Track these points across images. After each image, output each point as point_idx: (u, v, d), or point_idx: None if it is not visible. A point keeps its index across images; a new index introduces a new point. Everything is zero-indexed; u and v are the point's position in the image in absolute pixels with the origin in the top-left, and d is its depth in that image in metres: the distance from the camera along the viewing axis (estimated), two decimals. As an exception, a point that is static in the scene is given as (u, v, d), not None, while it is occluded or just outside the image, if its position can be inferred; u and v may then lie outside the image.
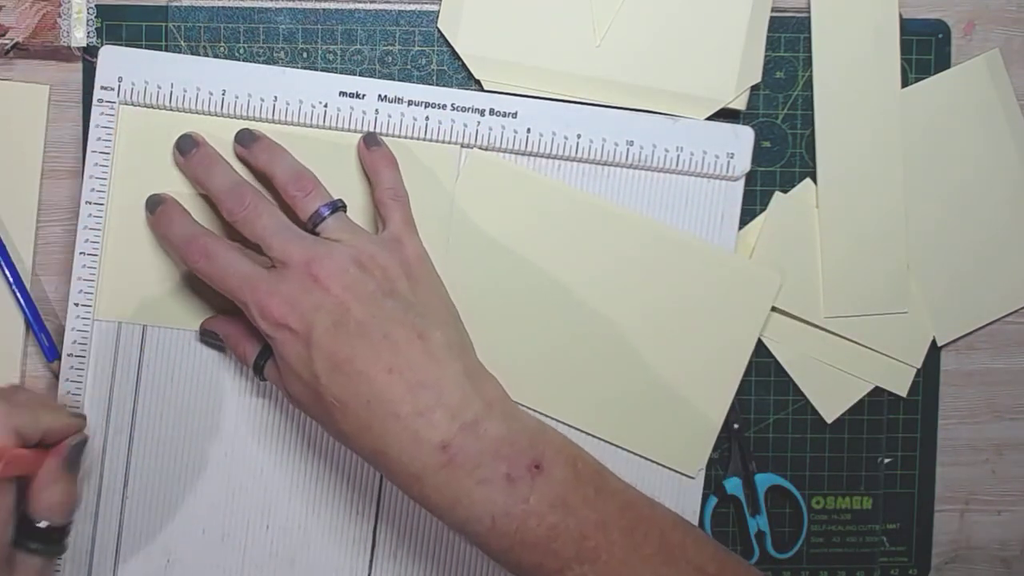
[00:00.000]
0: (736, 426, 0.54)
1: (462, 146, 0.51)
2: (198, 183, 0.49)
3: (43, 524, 0.42)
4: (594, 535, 0.42)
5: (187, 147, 0.49)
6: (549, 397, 0.52)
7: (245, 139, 0.49)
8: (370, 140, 0.50)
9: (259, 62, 0.52)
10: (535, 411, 0.52)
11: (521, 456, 0.42)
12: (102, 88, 0.50)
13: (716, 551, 0.44)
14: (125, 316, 0.51)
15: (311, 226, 0.46)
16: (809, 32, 0.53)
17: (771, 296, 0.52)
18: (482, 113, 0.51)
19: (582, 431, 0.52)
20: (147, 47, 0.52)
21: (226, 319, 0.50)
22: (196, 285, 0.51)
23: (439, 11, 0.52)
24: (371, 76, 0.52)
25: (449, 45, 0.52)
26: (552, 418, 0.52)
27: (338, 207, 0.47)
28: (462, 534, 0.43)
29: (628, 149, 0.52)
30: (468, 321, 0.47)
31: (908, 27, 0.54)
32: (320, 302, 0.43)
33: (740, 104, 0.53)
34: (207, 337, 0.51)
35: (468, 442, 0.42)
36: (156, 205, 0.49)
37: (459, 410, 0.42)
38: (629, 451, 0.52)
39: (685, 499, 0.53)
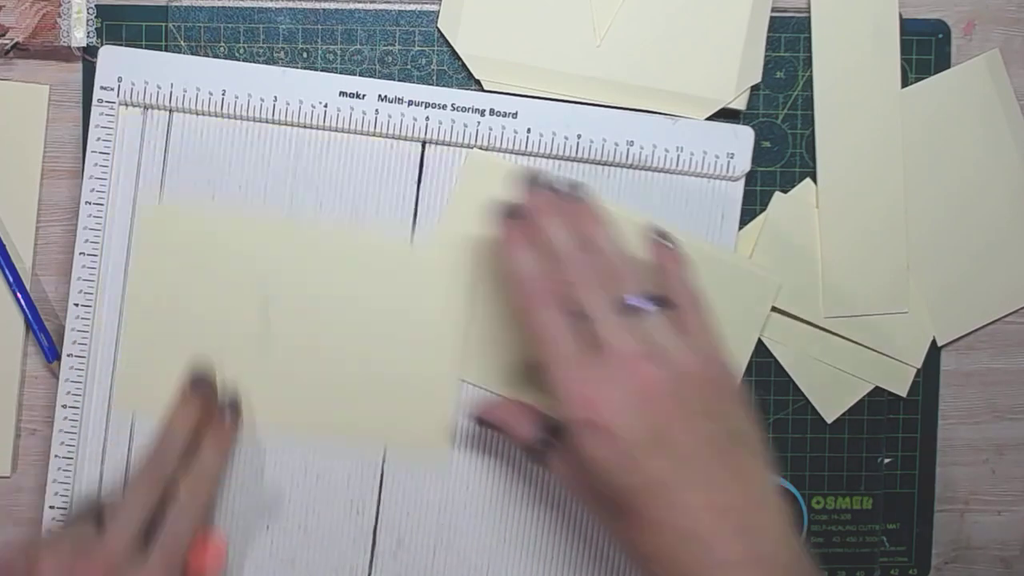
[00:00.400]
0: (737, 426, 0.54)
1: (462, 146, 0.51)
2: (535, 225, 0.44)
3: None
4: None
5: (533, 183, 0.46)
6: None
7: (562, 188, 0.45)
8: (662, 236, 0.47)
9: (259, 62, 0.52)
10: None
11: None
12: (102, 88, 0.50)
13: None
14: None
15: (627, 317, 0.42)
16: (809, 32, 0.53)
17: (770, 299, 0.52)
18: (482, 113, 0.51)
19: None
20: (147, 47, 0.52)
21: (503, 406, 0.48)
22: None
23: (439, 11, 0.52)
24: (371, 76, 0.52)
25: (449, 45, 0.52)
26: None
27: (664, 303, 0.42)
28: None
29: (628, 149, 0.52)
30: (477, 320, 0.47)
31: (908, 27, 0.54)
32: (643, 412, 0.39)
33: (740, 104, 0.53)
34: (484, 426, 0.49)
35: None
36: (515, 215, 0.45)
37: (773, 566, 0.38)
38: None
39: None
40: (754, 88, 0.53)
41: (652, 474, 0.39)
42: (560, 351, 0.41)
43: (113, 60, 0.50)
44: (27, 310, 0.51)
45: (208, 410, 0.49)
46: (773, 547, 0.39)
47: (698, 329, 0.43)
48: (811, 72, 0.53)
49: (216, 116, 0.51)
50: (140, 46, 0.52)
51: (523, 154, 0.52)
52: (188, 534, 0.46)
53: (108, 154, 0.50)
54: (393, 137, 0.51)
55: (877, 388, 0.55)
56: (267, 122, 0.51)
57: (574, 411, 0.40)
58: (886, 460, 0.55)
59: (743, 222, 0.53)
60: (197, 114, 0.51)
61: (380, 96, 0.51)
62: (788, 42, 0.54)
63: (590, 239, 0.44)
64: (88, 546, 0.44)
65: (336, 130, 0.51)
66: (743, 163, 0.52)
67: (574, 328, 0.41)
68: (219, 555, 0.48)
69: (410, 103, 0.51)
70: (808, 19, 0.53)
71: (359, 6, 0.53)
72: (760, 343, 0.54)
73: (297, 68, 0.52)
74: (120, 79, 0.50)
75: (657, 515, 0.39)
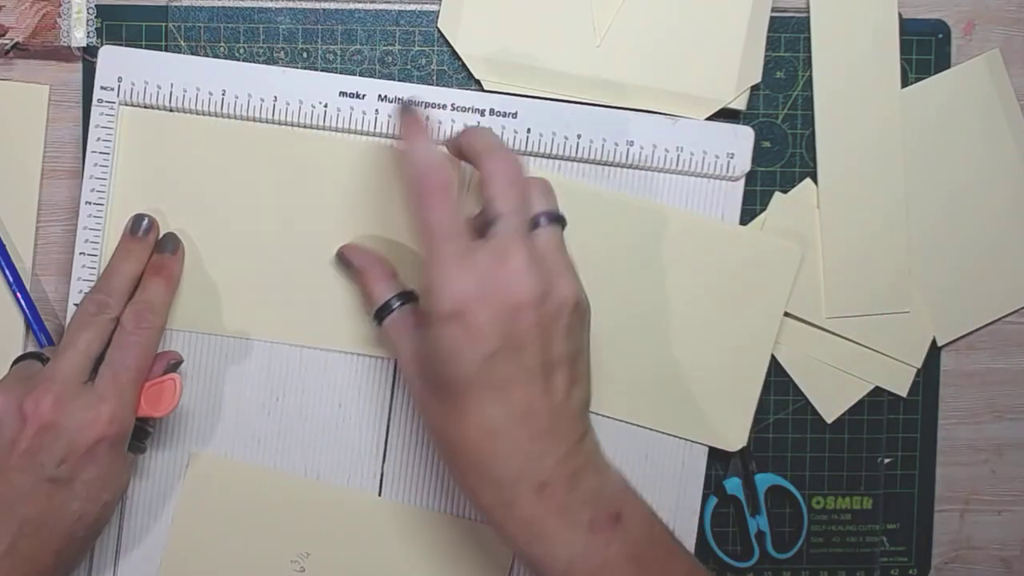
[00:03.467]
0: (737, 426, 0.54)
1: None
2: (464, 151, 0.46)
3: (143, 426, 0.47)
4: None
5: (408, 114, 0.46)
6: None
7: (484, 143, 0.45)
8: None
9: (259, 62, 0.52)
10: None
11: (605, 507, 0.42)
12: (102, 88, 0.50)
13: None
14: None
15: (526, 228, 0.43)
16: (809, 32, 0.53)
17: (793, 268, 0.52)
18: (482, 113, 0.51)
19: (624, 421, 0.52)
20: (147, 47, 0.52)
21: (368, 254, 0.49)
22: (196, 286, 0.51)
23: (439, 11, 0.52)
24: (371, 76, 0.52)
25: (449, 45, 0.52)
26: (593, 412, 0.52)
27: (559, 221, 0.45)
28: (531, 569, 0.43)
29: (628, 149, 0.52)
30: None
31: (908, 27, 0.54)
32: (510, 320, 0.41)
33: (740, 104, 0.53)
34: (340, 262, 0.50)
35: (564, 487, 0.42)
36: (408, 113, 0.45)
37: (566, 459, 0.42)
38: (673, 435, 0.53)
39: (685, 499, 0.53)
40: (754, 88, 0.53)
41: (494, 376, 0.41)
42: (448, 248, 0.42)
43: (113, 60, 0.50)
44: (27, 310, 0.51)
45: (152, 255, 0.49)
46: (568, 447, 0.42)
47: (564, 266, 0.44)
48: (811, 72, 0.53)
49: (216, 116, 0.51)
50: (140, 46, 0.52)
51: (523, 154, 0.52)
52: (136, 364, 0.46)
53: (108, 154, 0.50)
54: (393, 137, 0.51)
55: (877, 388, 0.55)
56: (267, 122, 0.51)
57: (445, 303, 0.41)
58: (886, 460, 0.55)
59: (743, 222, 0.53)
60: (197, 114, 0.51)
61: (380, 96, 0.51)
62: (788, 42, 0.54)
63: (475, 162, 0.45)
64: (35, 378, 0.45)
65: (336, 130, 0.51)
66: (743, 163, 0.52)
67: (462, 225, 0.42)
68: (174, 388, 0.47)
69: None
70: (808, 19, 0.53)
71: (359, 6, 0.53)
72: (760, 343, 0.54)
73: (297, 68, 0.52)
74: (120, 79, 0.50)
75: (478, 408, 0.42)
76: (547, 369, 0.42)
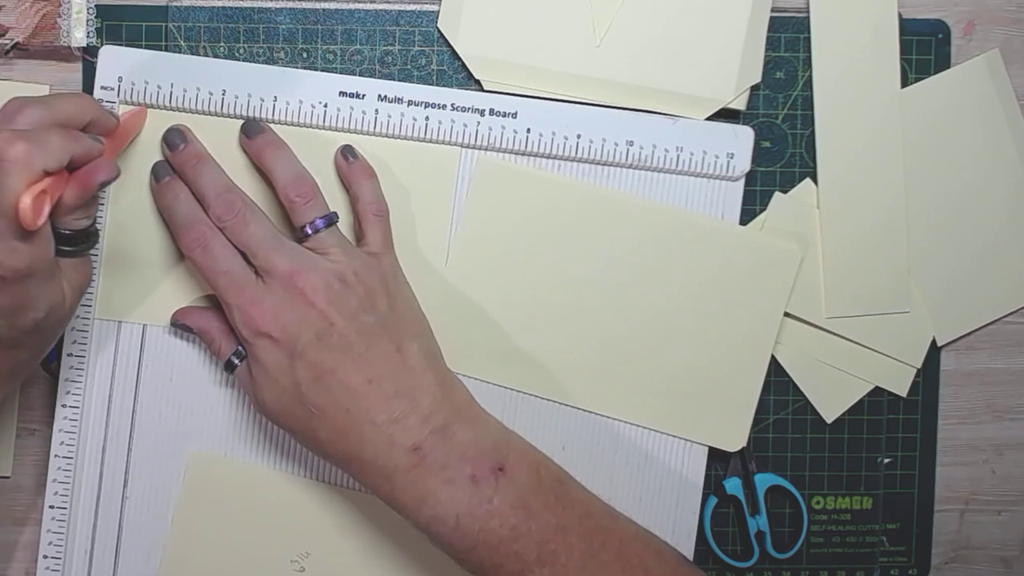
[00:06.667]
0: (737, 426, 0.54)
1: (462, 146, 0.51)
2: (185, 180, 0.49)
3: (68, 231, 0.44)
4: (554, 539, 0.44)
5: (175, 142, 0.49)
6: (585, 390, 0.52)
7: (251, 130, 0.49)
8: (348, 152, 0.50)
9: (259, 62, 0.52)
10: (572, 407, 0.52)
11: (486, 459, 0.45)
12: (102, 88, 0.50)
13: (678, 566, 0.46)
14: (124, 316, 0.51)
15: (302, 234, 0.47)
16: (809, 32, 0.53)
17: (793, 268, 0.52)
18: (482, 113, 0.51)
19: (622, 420, 0.52)
20: (147, 47, 0.52)
21: (201, 312, 0.50)
22: (194, 284, 0.51)
23: (439, 11, 0.52)
24: (371, 76, 0.52)
25: (449, 45, 0.52)
26: (589, 411, 0.52)
27: (333, 220, 0.48)
28: (427, 534, 0.45)
29: (628, 149, 0.52)
30: (494, 324, 0.50)
31: (908, 27, 0.54)
32: (304, 315, 0.45)
33: (740, 104, 0.53)
34: (179, 329, 0.51)
35: (437, 444, 0.44)
36: (163, 175, 0.49)
37: (430, 416, 0.45)
38: (673, 435, 0.53)
39: (685, 499, 0.53)
40: (754, 88, 0.53)
41: (315, 366, 0.45)
42: (231, 281, 0.46)
43: (113, 60, 0.50)
44: (27, 310, 0.51)
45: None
46: (429, 401, 0.45)
47: (378, 239, 0.49)
48: (811, 72, 0.53)
49: (216, 116, 0.51)
50: (140, 46, 0.52)
51: (523, 154, 0.52)
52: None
53: (108, 154, 0.50)
54: (393, 137, 0.51)
55: (877, 388, 0.55)
56: (267, 122, 0.51)
57: (247, 330, 0.45)
58: (886, 460, 0.55)
59: (743, 222, 0.53)
60: (197, 114, 0.51)
61: (380, 96, 0.51)
62: (788, 42, 0.54)
63: (268, 166, 0.48)
64: None
65: (336, 130, 0.51)
66: (743, 163, 0.52)
67: (244, 264, 0.46)
68: (45, 200, 0.40)
69: (410, 103, 0.51)
70: (808, 19, 0.53)
71: (359, 6, 0.53)
72: (760, 343, 0.54)
73: (297, 68, 0.52)
74: (120, 79, 0.50)
75: (322, 399, 0.45)
76: (372, 342, 0.45)
